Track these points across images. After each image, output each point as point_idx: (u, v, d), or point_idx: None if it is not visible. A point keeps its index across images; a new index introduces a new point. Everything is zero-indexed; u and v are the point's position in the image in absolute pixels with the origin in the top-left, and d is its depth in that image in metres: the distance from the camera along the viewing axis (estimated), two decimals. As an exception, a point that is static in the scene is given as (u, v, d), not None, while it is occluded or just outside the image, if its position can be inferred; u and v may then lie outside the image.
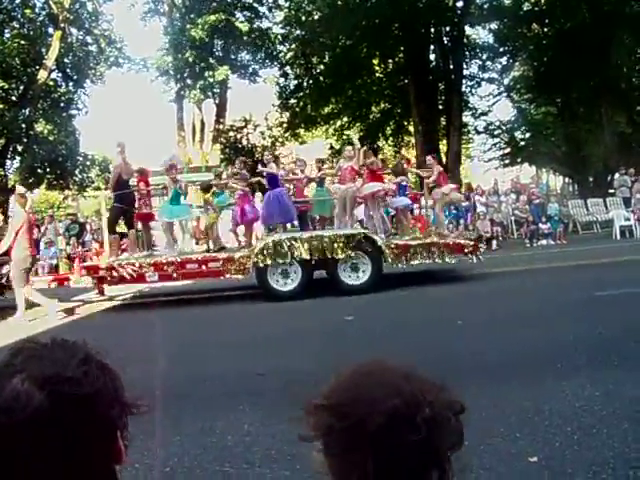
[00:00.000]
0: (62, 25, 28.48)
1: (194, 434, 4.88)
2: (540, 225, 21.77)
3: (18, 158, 30.15)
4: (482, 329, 8.00)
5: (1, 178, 28.39)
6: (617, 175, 25.29)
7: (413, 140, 33.60)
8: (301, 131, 36.63)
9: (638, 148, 29.78)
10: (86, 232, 23.06)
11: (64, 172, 30.28)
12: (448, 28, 31.08)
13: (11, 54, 27.68)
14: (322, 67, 34.48)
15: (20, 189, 13.93)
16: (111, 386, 1.09)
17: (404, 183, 14.40)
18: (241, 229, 14.28)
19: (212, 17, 29.73)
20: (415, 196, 16.02)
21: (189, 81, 31.69)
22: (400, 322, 8.98)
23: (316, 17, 30.28)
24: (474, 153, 40.03)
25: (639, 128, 30.62)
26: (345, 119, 36.65)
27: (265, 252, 11.94)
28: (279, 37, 33.66)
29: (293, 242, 11.98)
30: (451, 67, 31.27)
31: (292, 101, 35.14)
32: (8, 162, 29.98)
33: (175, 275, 12.33)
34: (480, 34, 34.34)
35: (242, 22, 31.73)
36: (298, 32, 32.63)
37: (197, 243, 15.85)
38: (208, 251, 13.45)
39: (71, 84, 32.16)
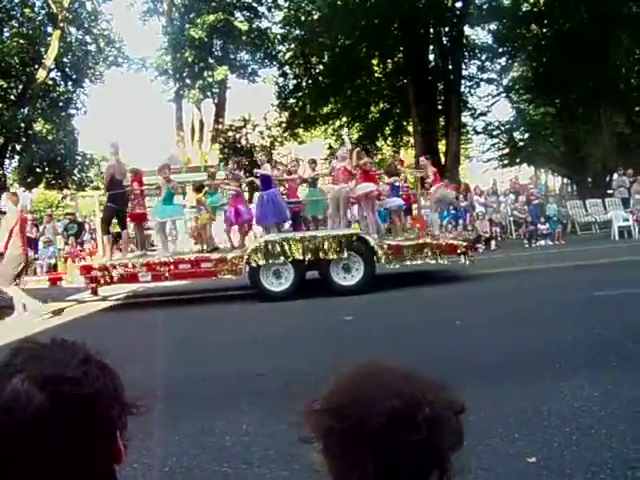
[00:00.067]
0: (61, 24, 28.48)
1: (193, 434, 4.88)
2: (539, 225, 21.78)
3: (17, 157, 30.17)
4: (481, 330, 8.00)
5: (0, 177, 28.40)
6: (615, 176, 25.31)
7: (412, 140, 33.60)
8: (300, 131, 36.61)
9: (636, 149, 29.78)
10: (85, 231, 23.04)
11: (63, 171, 30.29)
12: (447, 28, 31.09)
13: (10, 53, 27.69)
14: (321, 67, 34.49)
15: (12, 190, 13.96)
16: (111, 386, 1.09)
17: (397, 184, 14.39)
18: (234, 229, 14.27)
19: (211, 17, 29.74)
20: (409, 197, 15.97)
21: (188, 81, 31.71)
22: (398, 323, 8.98)
23: (315, 17, 30.28)
24: (473, 153, 40.10)
25: (638, 129, 30.62)
26: (344, 119, 36.64)
27: (258, 252, 11.96)
28: (278, 37, 33.66)
29: (285, 242, 11.99)
30: (450, 67, 31.27)
31: (291, 101, 35.14)
32: (7, 161, 30.00)
33: (168, 275, 12.35)
34: (479, 34, 34.42)
35: (241, 22, 31.74)
36: (297, 32, 32.63)
37: (196, 243, 15.84)
38: (201, 251, 13.45)
39: (70, 83, 32.17)
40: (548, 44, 30.50)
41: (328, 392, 1.16)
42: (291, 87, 35.26)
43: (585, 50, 27.07)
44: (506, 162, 36.93)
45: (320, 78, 34.34)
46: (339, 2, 26.96)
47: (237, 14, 32.36)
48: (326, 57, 33.44)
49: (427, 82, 31.30)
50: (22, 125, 28.03)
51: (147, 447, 4.31)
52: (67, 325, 10.68)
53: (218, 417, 5.25)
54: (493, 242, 21.45)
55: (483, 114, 34.63)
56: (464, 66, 32.41)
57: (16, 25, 29.35)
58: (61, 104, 31.30)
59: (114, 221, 14.00)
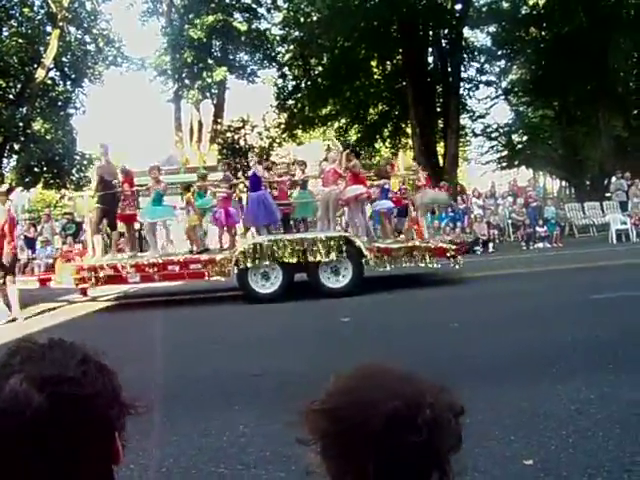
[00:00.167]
0: (60, 24, 28.45)
1: (189, 435, 4.88)
2: (537, 228, 21.82)
3: (15, 157, 30.09)
4: (478, 332, 8.00)
5: (-2, 177, 28.38)
6: (614, 179, 25.35)
7: (411, 142, 33.59)
8: (299, 132, 36.59)
9: (635, 152, 29.79)
10: (83, 231, 23.00)
11: (61, 171, 30.24)
12: (446, 31, 31.11)
13: (9, 52, 27.67)
14: (320, 68, 34.46)
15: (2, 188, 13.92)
16: (110, 387, 1.09)
17: (387, 186, 14.36)
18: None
19: (210, 18, 29.74)
20: (399, 200, 15.94)
21: (187, 81, 31.71)
22: (394, 325, 8.98)
23: (315, 18, 30.26)
24: (471, 156, 40.14)
25: (636, 132, 30.65)
26: (343, 121, 36.65)
27: (246, 254, 11.96)
28: (277, 38, 33.66)
29: (274, 245, 12.00)
30: (449, 70, 31.27)
31: (290, 102, 35.11)
32: (5, 160, 29.95)
33: (157, 277, 12.34)
34: (478, 37, 34.42)
35: (240, 23, 31.73)
36: (296, 33, 32.62)
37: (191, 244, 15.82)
38: (191, 252, 13.45)
39: (69, 83, 32.14)
40: (547, 47, 30.55)
41: (326, 393, 1.16)
42: (290, 88, 35.25)
43: (584, 53, 27.12)
44: (504, 164, 36.96)
45: (319, 79, 34.33)
46: (338, 4, 26.94)
47: (236, 15, 32.37)
48: (325, 59, 33.44)
49: (426, 84, 31.32)
50: (21, 124, 28.00)
51: (144, 448, 4.30)
52: (59, 326, 10.64)
53: (214, 418, 5.25)
54: (491, 244, 21.48)
55: (482, 116, 34.69)
56: (463, 68, 32.43)
57: (15, 24, 29.32)
58: (60, 104, 31.27)
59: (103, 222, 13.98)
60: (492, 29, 32.62)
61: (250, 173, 13.21)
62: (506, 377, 5.85)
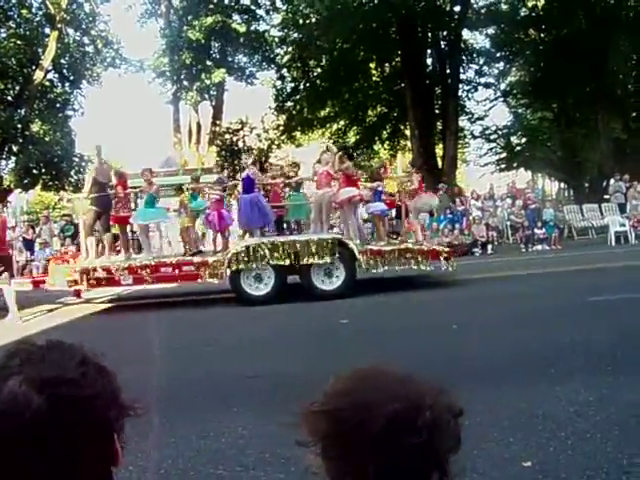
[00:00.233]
0: (59, 25, 28.43)
1: (188, 436, 4.87)
2: (535, 230, 21.81)
3: (13, 158, 30.05)
4: (476, 334, 8.00)
5: (-4, 178, 28.38)
6: (612, 181, 25.35)
7: (409, 144, 33.61)
8: (297, 134, 36.59)
9: (633, 154, 29.82)
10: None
11: (59, 173, 30.19)
12: (445, 32, 31.10)
13: (7, 54, 27.64)
14: (319, 70, 34.48)
15: None
16: (109, 388, 1.09)
17: (380, 188, 14.32)
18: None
19: (209, 19, 29.74)
20: (393, 202, 15.91)
21: (186, 83, 31.70)
22: (391, 327, 8.97)
23: (313, 20, 30.26)
24: (470, 158, 40.17)
25: (634, 134, 30.68)
26: (342, 122, 36.66)
27: (239, 256, 11.96)
28: (276, 40, 33.66)
29: (266, 247, 11.99)
30: (448, 71, 31.26)
31: (289, 104, 35.10)
32: (3, 162, 29.92)
33: (150, 279, 12.33)
34: (477, 39, 34.45)
35: (239, 24, 31.73)
36: (295, 35, 32.62)
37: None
38: (184, 255, 13.44)
39: (67, 85, 32.10)
40: (546, 49, 30.57)
41: (325, 395, 1.16)
42: (289, 90, 35.24)
43: (583, 55, 27.15)
44: (503, 166, 36.97)
45: (318, 81, 34.35)
46: (337, 5, 26.96)
47: (235, 16, 32.37)
48: (324, 60, 33.46)
49: (425, 86, 31.33)
50: (19, 126, 27.96)
51: (142, 449, 4.30)
52: (55, 329, 10.60)
53: (212, 420, 5.24)
54: (490, 246, 21.48)
55: (480, 118, 34.71)
56: (462, 70, 32.44)
57: (13, 26, 29.26)
58: (58, 105, 31.23)
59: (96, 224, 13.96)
60: (491, 31, 32.67)
61: (244, 175, 13.19)
62: (505, 379, 5.85)
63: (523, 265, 16.00)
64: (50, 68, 29.62)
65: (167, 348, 8.09)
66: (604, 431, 4.39)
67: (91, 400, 1.04)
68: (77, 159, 30.94)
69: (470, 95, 34.13)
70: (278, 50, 34.35)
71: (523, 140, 35.73)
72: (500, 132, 35.00)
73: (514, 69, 35.81)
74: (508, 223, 23.14)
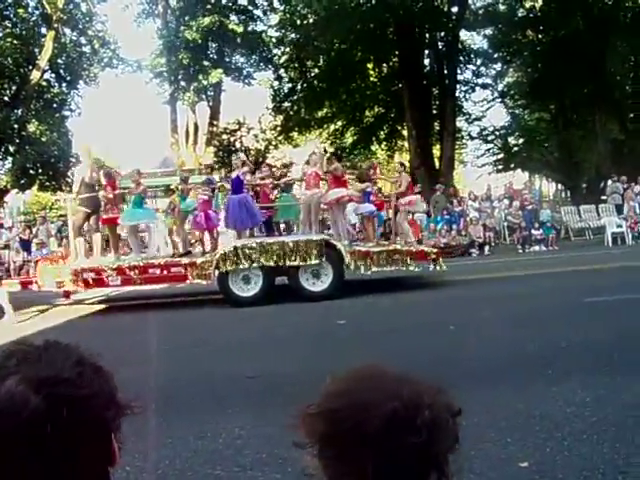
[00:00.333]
0: (55, 25, 28.36)
1: (185, 437, 4.87)
2: (532, 231, 21.82)
3: (10, 159, 30.01)
4: (473, 334, 8.00)
5: (-7, 178, 28.34)
6: (609, 182, 25.36)
7: (407, 144, 33.62)
8: (295, 134, 36.58)
9: (631, 155, 29.85)
10: (84, 233, 22.97)
11: (56, 173, 30.15)
12: (443, 33, 31.10)
13: (4, 54, 27.57)
14: (316, 71, 34.46)
15: None
16: (106, 388, 1.09)
17: (369, 189, 14.29)
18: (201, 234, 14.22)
19: (206, 19, 29.72)
20: (382, 203, 15.86)
21: (183, 83, 31.68)
22: (390, 327, 8.97)
23: (311, 21, 30.26)
24: (467, 158, 40.12)
25: (632, 135, 30.70)
26: (339, 123, 36.65)
27: (226, 258, 11.94)
28: (273, 40, 33.64)
29: (254, 248, 11.98)
30: (445, 72, 31.28)
31: (286, 104, 35.07)
32: (0, 162, 29.89)
33: (138, 280, 12.31)
34: (475, 39, 34.49)
35: (237, 25, 31.70)
36: (293, 35, 32.62)
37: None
38: (173, 256, 13.41)
39: (64, 85, 32.03)
40: (544, 50, 30.59)
41: (323, 395, 1.16)
42: (286, 90, 35.23)
43: (580, 56, 27.17)
44: (500, 167, 36.97)
45: (315, 82, 34.34)
46: (335, 6, 26.95)
47: (232, 17, 32.34)
48: (321, 61, 33.44)
49: (422, 87, 31.33)
50: (16, 126, 27.90)
51: (139, 450, 4.29)
52: (47, 330, 10.57)
53: (209, 420, 5.24)
54: (487, 247, 21.49)
55: (478, 119, 34.72)
56: (459, 71, 32.44)
57: (9, 25, 29.18)
58: (55, 105, 31.16)
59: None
60: (489, 32, 32.69)
61: (233, 176, 13.17)
62: (502, 379, 5.86)
63: (520, 266, 16.01)
64: (47, 68, 29.56)
65: (161, 349, 8.08)
66: (601, 432, 4.40)
67: (88, 400, 1.04)
68: (74, 159, 30.84)
69: (468, 96, 34.20)
70: (275, 50, 34.35)
71: (520, 141, 35.74)
72: (497, 133, 35.01)
73: (512, 70, 35.86)
74: (505, 224, 23.16)
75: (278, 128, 35.33)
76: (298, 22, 31.09)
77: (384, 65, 34.71)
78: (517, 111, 36.93)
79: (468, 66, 33.46)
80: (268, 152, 34.76)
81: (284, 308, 11.58)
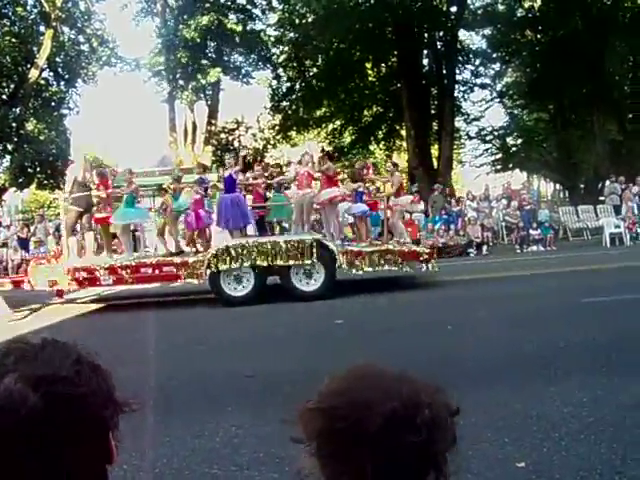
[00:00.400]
0: (54, 24, 28.34)
1: (182, 436, 4.87)
2: (530, 231, 21.83)
3: (8, 157, 30.00)
4: (471, 334, 8.01)
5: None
6: (608, 182, 25.37)
7: (405, 144, 33.61)
8: (293, 134, 36.57)
9: (629, 156, 29.87)
10: (76, 232, 22.96)
11: (54, 172, 30.12)
12: (442, 33, 31.08)
13: (2, 52, 27.58)
14: (315, 70, 34.44)
15: None
16: (104, 386, 1.09)
17: (361, 189, 14.27)
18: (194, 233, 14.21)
19: (205, 18, 29.66)
20: (375, 203, 15.84)
21: (181, 82, 31.63)
22: (386, 327, 8.96)
23: (310, 20, 30.26)
24: (466, 158, 40.09)
25: (630, 136, 30.71)
26: (337, 122, 36.63)
27: (218, 257, 11.93)
28: (272, 39, 33.60)
29: (246, 248, 11.96)
30: (444, 72, 31.28)
31: (284, 103, 35.04)
32: (-2, 161, 29.89)
33: (130, 279, 12.29)
34: (474, 39, 34.49)
35: (235, 24, 31.65)
36: (291, 35, 32.59)
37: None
38: (164, 255, 13.40)
39: (62, 83, 32.02)
40: (542, 50, 30.59)
41: (322, 393, 1.16)
42: (284, 90, 35.19)
43: (579, 56, 27.18)
44: (499, 167, 36.96)
45: (314, 81, 34.32)
46: (334, 5, 26.93)
47: (231, 16, 32.26)
48: (320, 60, 33.42)
49: (421, 86, 31.34)
50: (14, 125, 27.90)
51: (137, 448, 4.29)
52: (42, 329, 10.55)
53: (206, 419, 5.24)
54: (485, 247, 21.50)
55: (476, 119, 34.70)
56: (458, 71, 32.45)
57: (8, 24, 29.15)
58: (53, 104, 31.16)
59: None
60: (487, 32, 32.67)
61: (225, 175, 13.15)
62: (499, 379, 5.86)
63: (518, 266, 16.03)
64: (45, 66, 29.54)
65: (157, 348, 8.06)
66: (598, 432, 4.40)
67: (86, 398, 1.04)
68: (72, 158, 30.86)
69: (466, 96, 34.17)
70: (274, 50, 34.27)
71: (519, 141, 35.73)
72: (496, 133, 35.00)
73: (510, 70, 35.85)
74: (503, 224, 23.16)
75: (276, 127, 35.30)
76: (297, 21, 31.08)
77: (383, 65, 34.68)
78: (516, 111, 36.94)
79: (467, 66, 33.47)
80: (266, 151, 34.76)
81: (278, 308, 11.58)
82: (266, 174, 15.24)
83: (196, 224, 13.41)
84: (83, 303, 13.83)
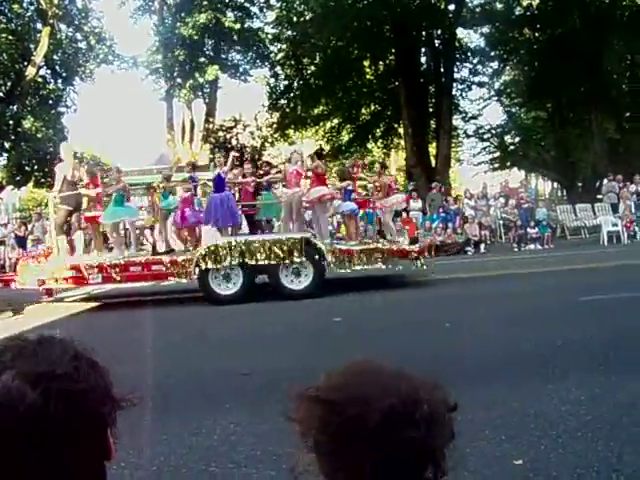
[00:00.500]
0: (51, 21, 28.32)
1: (180, 434, 4.87)
2: (528, 229, 21.85)
3: (5, 155, 29.97)
4: (469, 332, 8.01)
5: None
6: (605, 181, 25.41)
7: (403, 142, 33.63)
8: (291, 132, 36.57)
9: (627, 154, 29.92)
10: (75, 230, 22.93)
11: (52, 170, 30.08)
12: (440, 31, 31.14)
13: (-1, 49, 27.56)
14: (313, 68, 34.46)
15: None
16: (102, 383, 1.08)
17: (349, 188, 14.26)
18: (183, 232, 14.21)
19: (202, 16, 29.64)
20: (365, 202, 15.82)
21: (179, 80, 31.62)
22: (382, 326, 8.96)
23: (307, 18, 30.28)
24: (463, 157, 40.20)
25: (628, 134, 30.77)
26: (335, 120, 36.63)
27: (207, 256, 11.92)
28: (270, 37, 33.58)
29: (235, 246, 11.95)
30: (442, 70, 31.34)
31: (282, 101, 35.07)
32: (-5, 159, 29.86)
33: (119, 278, 12.29)
34: (472, 38, 34.53)
35: (233, 21, 31.63)
36: (289, 32, 32.60)
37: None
38: (153, 253, 13.40)
39: (60, 81, 31.99)
40: (540, 48, 30.63)
41: (320, 387, 1.16)
42: (282, 88, 35.21)
43: (577, 55, 27.21)
44: (496, 166, 37.04)
45: (311, 79, 34.32)
46: (331, 3, 26.95)
47: (229, 14, 32.26)
48: (318, 58, 33.43)
49: (419, 85, 31.36)
50: (11, 122, 27.87)
51: (134, 446, 4.29)
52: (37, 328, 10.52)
53: (204, 417, 5.24)
54: (482, 245, 21.51)
55: (474, 117, 34.76)
56: (456, 69, 32.51)
57: (4, 21, 29.09)
58: (51, 102, 31.13)
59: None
60: (485, 30, 32.71)
61: (214, 174, 13.15)
62: (497, 377, 5.87)
63: (516, 264, 16.04)
64: (42, 64, 29.51)
65: (152, 346, 8.05)
66: (595, 430, 4.41)
67: (85, 394, 1.03)
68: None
69: (464, 94, 34.24)
70: (272, 47, 34.28)
71: (517, 139, 35.82)
72: (494, 131, 35.06)
73: (508, 68, 35.90)
74: (501, 222, 23.19)
75: (274, 125, 35.31)
76: (294, 19, 31.08)
77: (380, 63, 34.71)
78: (513, 109, 37.01)
79: (465, 64, 33.54)
80: (264, 149, 34.75)
81: (270, 306, 11.57)
82: (261, 172, 15.24)
83: (181, 222, 13.39)
84: (72, 302, 13.78)
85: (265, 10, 33.56)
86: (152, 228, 14.22)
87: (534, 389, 5.43)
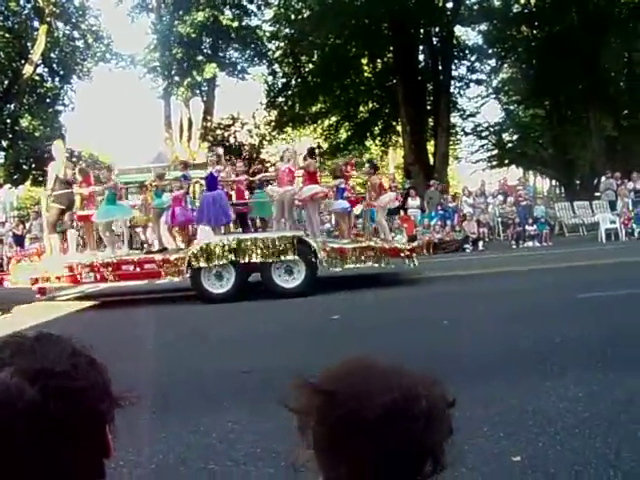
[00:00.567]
0: (48, 19, 28.29)
1: (178, 432, 4.87)
2: (526, 227, 21.87)
3: (3, 154, 29.96)
4: (467, 329, 8.02)
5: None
6: (603, 178, 25.43)
7: (401, 140, 33.62)
8: (289, 130, 36.57)
9: (624, 152, 29.95)
10: (68, 229, 22.91)
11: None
12: (437, 29, 31.16)
13: (-4, 47, 27.54)
14: (311, 66, 34.42)
15: None
16: (100, 380, 1.09)
17: (342, 186, 14.25)
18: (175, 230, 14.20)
19: (200, 14, 29.62)
20: (357, 200, 15.80)
21: (177, 78, 31.59)
22: (380, 323, 8.96)
23: (305, 15, 30.25)
24: (462, 154, 40.21)
25: (626, 132, 30.80)
26: (333, 118, 36.62)
27: (199, 254, 11.91)
28: (268, 35, 33.55)
29: (227, 244, 11.94)
30: (440, 68, 31.30)
31: (280, 99, 35.05)
32: (-7, 157, 29.85)
33: (112, 277, 12.27)
34: (469, 35, 34.54)
35: (231, 19, 31.60)
36: (287, 30, 32.56)
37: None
38: (144, 252, 13.38)
39: (57, 79, 31.98)
40: (538, 46, 30.65)
41: (321, 379, 1.16)
42: (280, 85, 35.17)
43: (575, 52, 27.23)
44: (495, 163, 37.07)
45: (309, 77, 34.30)
46: (329, 1, 26.93)
47: (226, 11, 32.23)
48: (316, 56, 33.41)
49: (417, 82, 31.33)
50: (8, 121, 27.87)
51: (133, 445, 4.30)
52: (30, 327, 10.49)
53: (203, 415, 5.24)
54: (481, 243, 21.52)
55: (472, 115, 34.79)
56: (454, 67, 32.48)
57: (1, 19, 29.08)
58: (48, 100, 31.11)
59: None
60: (483, 27, 32.73)
61: (207, 173, 13.13)
62: (495, 374, 5.87)
63: (514, 262, 16.06)
64: (40, 62, 29.50)
65: (149, 345, 8.05)
66: (593, 427, 4.42)
67: (83, 391, 1.04)
68: (67, 154, 30.78)
69: (462, 92, 34.26)
70: (270, 45, 34.26)
71: (515, 137, 35.86)
72: (492, 129, 35.09)
73: (506, 66, 35.91)
74: (499, 220, 23.20)
75: (272, 123, 35.30)
76: (292, 17, 31.05)
77: (378, 60, 34.69)
78: (511, 107, 37.04)
79: (463, 62, 33.52)
80: (262, 147, 34.73)
81: (263, 304, 11.56)
82: (255, 170, 15.22)
83: (171, 221, 13.40)
84: (65, 301, 13.76)
85: (263, 8, 33.55)
86: (145, 227, 14.16)
87: (532, 386, 5.44)
